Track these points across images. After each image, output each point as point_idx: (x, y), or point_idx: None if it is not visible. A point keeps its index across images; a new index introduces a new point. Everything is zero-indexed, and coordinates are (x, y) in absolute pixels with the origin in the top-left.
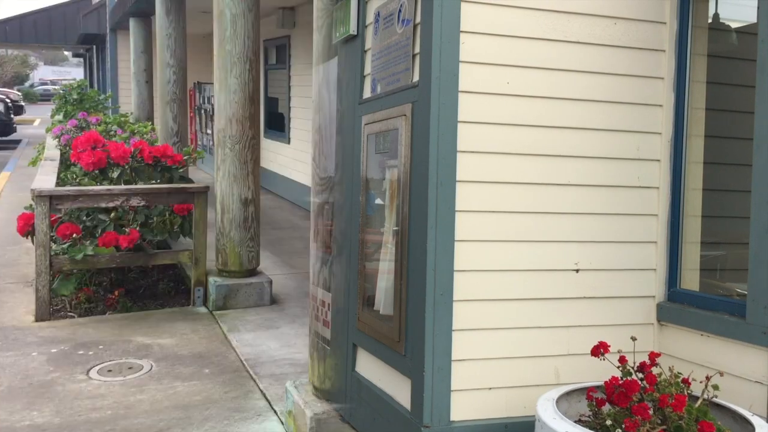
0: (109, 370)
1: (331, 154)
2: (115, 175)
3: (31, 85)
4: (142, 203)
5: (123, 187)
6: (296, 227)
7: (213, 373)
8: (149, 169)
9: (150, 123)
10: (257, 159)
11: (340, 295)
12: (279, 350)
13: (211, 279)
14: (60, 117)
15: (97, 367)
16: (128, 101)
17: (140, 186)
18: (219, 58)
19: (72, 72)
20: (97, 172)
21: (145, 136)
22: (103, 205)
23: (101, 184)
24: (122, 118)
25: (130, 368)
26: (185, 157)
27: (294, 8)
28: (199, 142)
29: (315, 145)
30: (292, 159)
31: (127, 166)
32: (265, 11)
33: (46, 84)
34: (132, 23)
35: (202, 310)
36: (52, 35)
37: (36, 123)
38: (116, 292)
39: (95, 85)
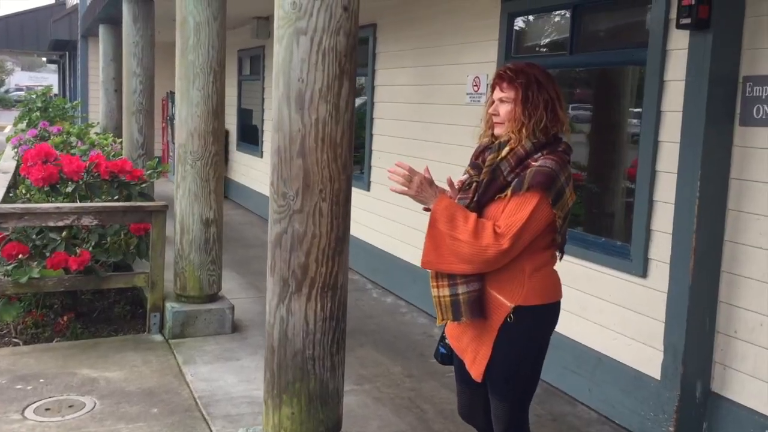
0: (48, 409)
1: (290, 179)
2: (68, 191)
3: (6, 91)
4: (95, 222)
5: (73, 205)
6: (266, 245)
7: (162, 413)
8: (106, 185)
9: (111, 135)
10: (220, 176)
11: (299, 336)
12: (237, 386)
13: (169, 304)
14: (23, 125)
15: (35, 405)
16: (98, 110)
17: (92, 204)
18: (181, 68)
19: (49, 78)
20: (48, 188)
21: (105, 148)
22: (52, 224)
23: (53, 201)
24: (83, 129)
25: (70, 406)
26: (147, 172)
27: (269, 18)
28: (171, 154)
29: (273, 168)
30: (264, 173)
31: (81, 182)
32: (240, 21)
33: (21, 90)
34: (101, 30)
35: (158, 338)
36: (24, 41)
37: (7, 129)
38: (65, 317)
39: (67, 93)
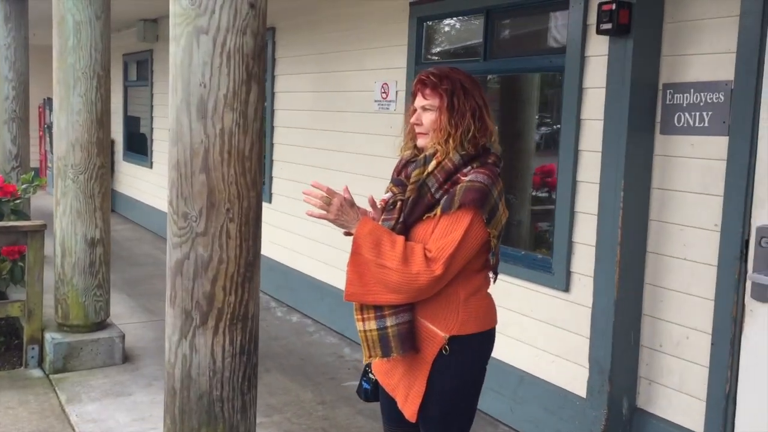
0: None
1: (192, 197)
2: None
3: None
4: None
5: None
6: (159, 263)
7: None
8: None
9: None
10: (107, 192)
11: (205, 376)
12: (130, 426)
13: (49, 335)
14: None
15: None
16: None
17: None
18: (60, 72)
19: None
20: None
21: None
22: None
23: None
24: None
25: None
26: (22, 187)
27: (156, 20)
28: (50, 165)
29: (172, 185)
30: (155, 185)
31: None
32: (125, 23)
33: None
34: None
35: (37, 373)
36: None
37: None
38: None
39: None
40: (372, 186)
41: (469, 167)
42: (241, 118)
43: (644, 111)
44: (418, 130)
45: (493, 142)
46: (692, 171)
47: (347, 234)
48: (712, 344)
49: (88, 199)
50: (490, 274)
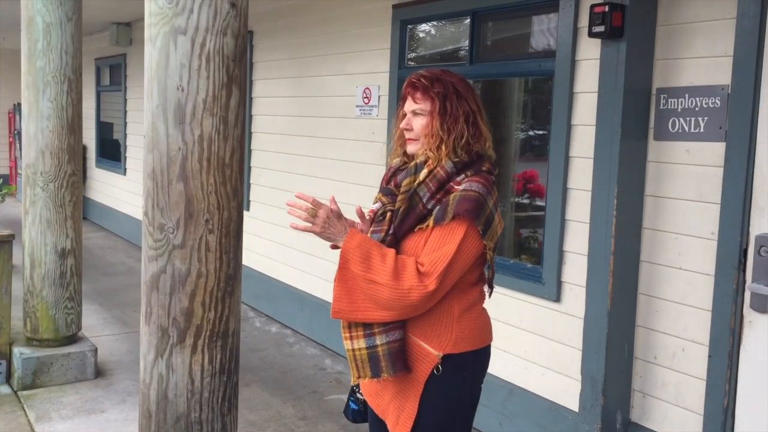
0: None
1: (169, 208)
2: None
3: None
4: None
5: None
6: (133, 272)
7: None
8: None
9: None
10: (78, 200)
11: (182, 397)
12: None
13: (17, 350)
14: None
15: None
16: None
17: None
18: (29, 76)
19: None
20: None
21: None
22: None
23: None
24: None
25: None
26: None
27: (130, 24)
28: (20, 172)
29: (147, 195)
30: (128, 192)
31: None
32: (98, 26)
33: None
34: None
35: (5, 390)
36: None
37: None
38: None
39: None
40: (353, 193)
41: (463, 175)
42: (221, 124)
43: (637, 116)
44: (408, 135)
45: (487, 148)
46: (688, 178)
47: (334, 247)
48: (709, 356)
49: (58, 208)
50: (486, 289)
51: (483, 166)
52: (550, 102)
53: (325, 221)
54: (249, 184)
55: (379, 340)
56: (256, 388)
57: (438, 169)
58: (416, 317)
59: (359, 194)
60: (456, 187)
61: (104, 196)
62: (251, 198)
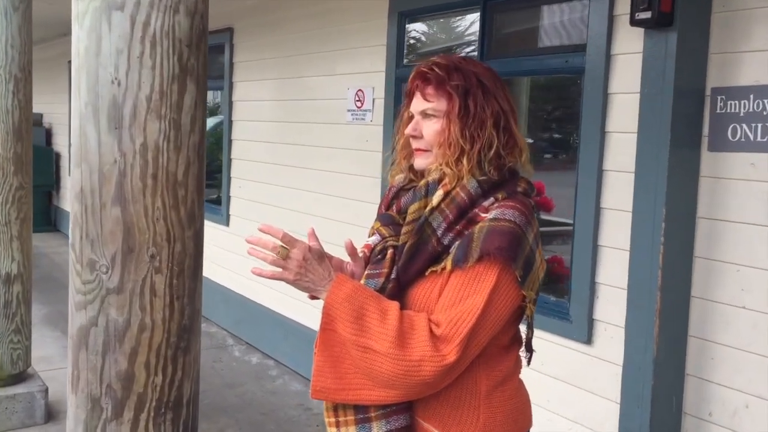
0: None
1: (102, 239)
2: None
3: None
4: None
5: None
6: None
7: None
8: None
9: None
10: (27, 218)
11: None
12: None
13: None
14: None
15: None
16: None
17: None
18: None
19: None
20: None
21: None
22: None
23: None
24: None
25: None
26: None
27: None
28: None
29: (74, 222)
30: None
31: None
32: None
33: None
34: None
35: None
36: None
37: None
38: None
39: None
40: (344, 209)
41: (492, 199)
42: (171, 129)
43: (689, 122)
44: (415, 145)
45: (523, 162)
46: (752, 197)
47: (314, 298)
48: None
49: (2, 227)
50: (523, 353)
51: (518, 186)
52: (578, 105)
53: (301, 265)
54: (229, 197)
55: (376, 428)
56: None
57: (458, 190)
58: (428, 396)
59: (350, 210)
60: (483, 215)
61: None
62: (231, 212)
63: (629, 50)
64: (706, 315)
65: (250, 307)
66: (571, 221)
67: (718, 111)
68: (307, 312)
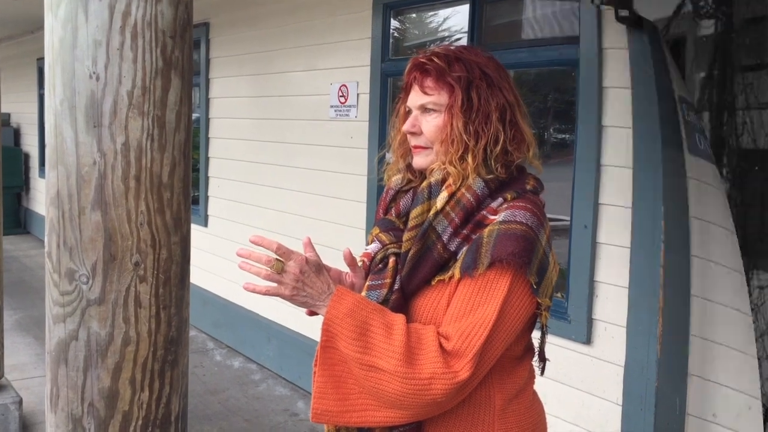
0: None
1: (81, 247)
2: None
3: None
4: None
5: None
6: None
7: None
8: None
9: None
10: None
11: None
12: None
13: None
14: None
15: None
16: None
17: None
18: None
19: None
20: None
21: None
22: None
23: None
24: None
25: None
26: None
27: None
28: None
29: (51, 228)
30: None
31: None
32: (39, 23)
33: None
34: None
35: None
36: None
37: None
38: None
39: None
40: (327, 208)
41: (500, 199)
42: (154, 127)
43: (673, 123)
44: (414, 142)
45: (531, 157)
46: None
47: (312, 314)
48: None
49: None
50: (536, 363)
51: (527, 184)
52: (574, 97)
53: (298, 278)
54: (207, 197)
55: None
56: None
57: (463, 191)
58: (439, 414)
59: (335, 209)
60: (491, 217)
61: (43, 205)
62: (209, 213)
63: (619, 45)
64: (705, 314)
65: (230, 309)
66: (567, 217)
67: (687, 118)
68: (290, 314)
